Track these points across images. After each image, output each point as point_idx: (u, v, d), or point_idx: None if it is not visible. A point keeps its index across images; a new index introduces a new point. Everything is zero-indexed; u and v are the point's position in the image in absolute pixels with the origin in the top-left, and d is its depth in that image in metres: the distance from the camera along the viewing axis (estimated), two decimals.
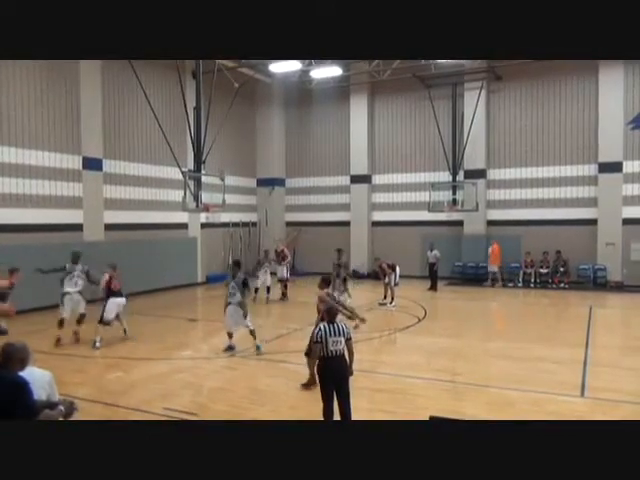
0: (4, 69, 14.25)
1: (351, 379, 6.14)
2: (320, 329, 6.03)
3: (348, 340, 6.08)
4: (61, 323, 10.68)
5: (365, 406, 7.08)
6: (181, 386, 8.31)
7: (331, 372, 5.96)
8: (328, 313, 6.28)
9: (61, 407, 4.08)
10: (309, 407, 6.91)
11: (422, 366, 9.19)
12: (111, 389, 8.18)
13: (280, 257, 17.18)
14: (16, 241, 14.18)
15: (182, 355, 10.32)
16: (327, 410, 5.94)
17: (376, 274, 16.94)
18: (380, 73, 21.21)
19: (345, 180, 23.63)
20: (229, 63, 18.98)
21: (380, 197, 23.26)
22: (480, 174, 20.94)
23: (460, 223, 21.34)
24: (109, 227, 17.08)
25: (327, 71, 19.77)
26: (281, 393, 7.89)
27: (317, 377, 6.05)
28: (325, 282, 9.37)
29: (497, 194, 21.14)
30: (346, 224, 23.39)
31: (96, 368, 9.30)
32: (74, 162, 16.16)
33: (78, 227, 16.19)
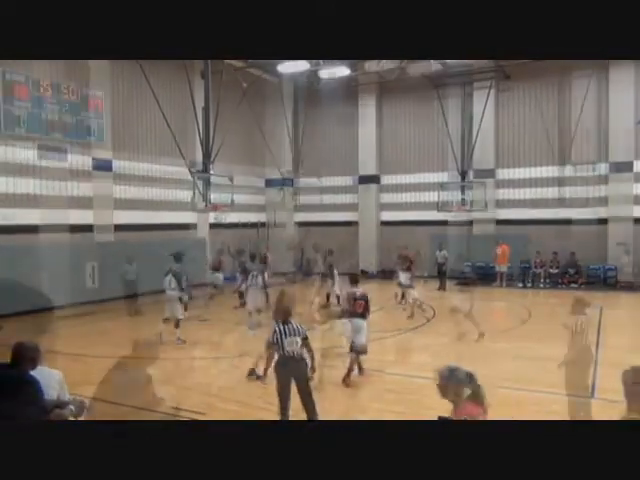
0: (16, 71, 14.35)
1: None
2: (275, 330, 5.96)
3: (305, 339, 6.03)
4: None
5: (374, 406, 7.08)
6: (190, 386, 8.34)
7: (289, 372, 5.91)
8: (277, 313, 6.19)
9: (71, 406, 4.10)
10: (318, 407, 6.90)
11: (431, 366, 9.13)
12: (120, 388, 8.20)
13: (263, 262, 15.70)
14: (26, 241, 14.29)
15: (192, 355, 10.35)
16: (283, 409, 5.93)
17: (390, 273, 16.61)
18: (388, 73, 21.16)
19: (353, 180, 23.60)
20: (237, 63, 19.03)
21: (389, 197, 23.21)
22: (489, 174, 20.84)
23: (469, 223, 21.26)
24: (118, 227, 17.18)
25: (335, 71, 19.76)
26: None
27: (275, 376, 6.03)
28: (353, 280, 8.89)
29: (506, 194, 21.02)
30: (354, 224, 23.36)
31: (106, 368, 9.33)
32: (84, 163, 16.27)
33: (88, 228, 16.31)
